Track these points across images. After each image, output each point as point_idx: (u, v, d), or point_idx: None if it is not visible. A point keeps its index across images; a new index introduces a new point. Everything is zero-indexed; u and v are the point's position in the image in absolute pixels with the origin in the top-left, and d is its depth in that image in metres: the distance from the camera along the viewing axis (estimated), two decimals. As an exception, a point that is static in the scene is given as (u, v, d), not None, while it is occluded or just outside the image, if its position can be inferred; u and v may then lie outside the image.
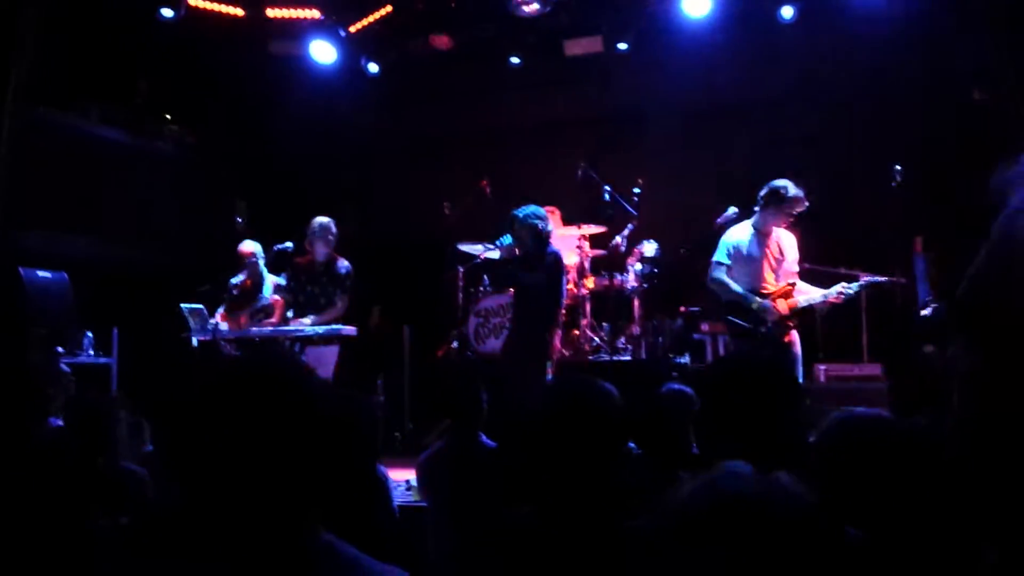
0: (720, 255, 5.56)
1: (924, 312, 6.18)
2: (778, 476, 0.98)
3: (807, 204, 5.46)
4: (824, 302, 5.51)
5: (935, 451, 2.17)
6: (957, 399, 2.73)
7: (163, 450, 3.32)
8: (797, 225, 5.66)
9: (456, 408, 4.07)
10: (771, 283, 5.54)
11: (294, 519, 1.38)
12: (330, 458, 1.43)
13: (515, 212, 5.90)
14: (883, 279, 5.77)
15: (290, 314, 6.45)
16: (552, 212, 8.08)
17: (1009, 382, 2.55)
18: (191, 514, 2.46)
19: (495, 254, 6.85)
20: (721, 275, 5.53)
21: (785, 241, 5.65)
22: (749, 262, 5.53)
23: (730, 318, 5.51)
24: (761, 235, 5.57)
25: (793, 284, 5.53)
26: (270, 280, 6.89)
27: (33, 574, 2.43)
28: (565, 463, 1.98)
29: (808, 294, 5.54)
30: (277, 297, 6.68)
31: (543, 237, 5.84)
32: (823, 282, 5.71)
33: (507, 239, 5.99)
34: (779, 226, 5.59)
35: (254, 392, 1.40)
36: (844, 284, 5.50)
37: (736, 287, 5.48)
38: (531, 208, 5.92)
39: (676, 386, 3.45)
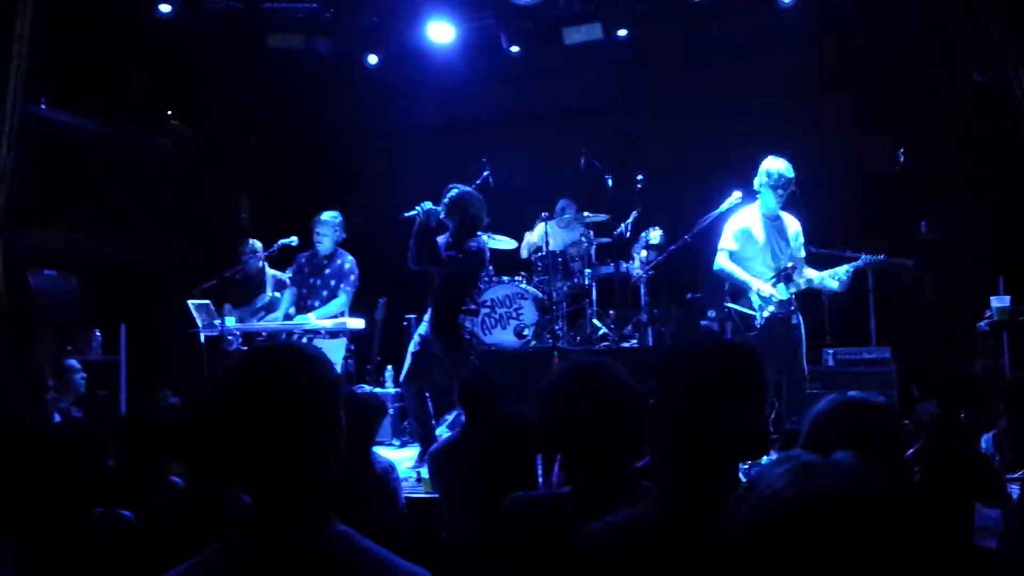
0: (727, 240, 5.56)
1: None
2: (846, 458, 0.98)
3: (794, 186, 5.42)
4: (828, 283, 5.51)
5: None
6: None
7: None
8: (803, 208, 5.65)
9: (468, 399, 4.09)
10: (776, 267, 5.54)
11: (301, 504, 1.39)
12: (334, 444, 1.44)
13: (453, 189, 5.67)
14: (883, 258, 5.72)
15: (292, 311, 6.43)
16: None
17: None
18: (204, 500, 2.49)
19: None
20: (727, 261, 5.53)
21: (789, 225, 5.65)
22: (755, 246, 5.53)
23: (734, 305, 5.52)
24: (767, 219, 5.56)
25: (793, 267, 5.52)
26: (271, 276, 6.84)
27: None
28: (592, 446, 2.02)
29: (810, 276, 5.54)
30: (280, 295, 6.64)
31: (471, 224, 5.65)
32: (828, 265, 5.71)
33: (427, 204, 5.50)
34: (780, 208, 5.58)
35: (270, 377, 1.42)
36: (848, 265, 5.51)
37: (741, 274, 5.49)
38: (467, 191, 5.73)
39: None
